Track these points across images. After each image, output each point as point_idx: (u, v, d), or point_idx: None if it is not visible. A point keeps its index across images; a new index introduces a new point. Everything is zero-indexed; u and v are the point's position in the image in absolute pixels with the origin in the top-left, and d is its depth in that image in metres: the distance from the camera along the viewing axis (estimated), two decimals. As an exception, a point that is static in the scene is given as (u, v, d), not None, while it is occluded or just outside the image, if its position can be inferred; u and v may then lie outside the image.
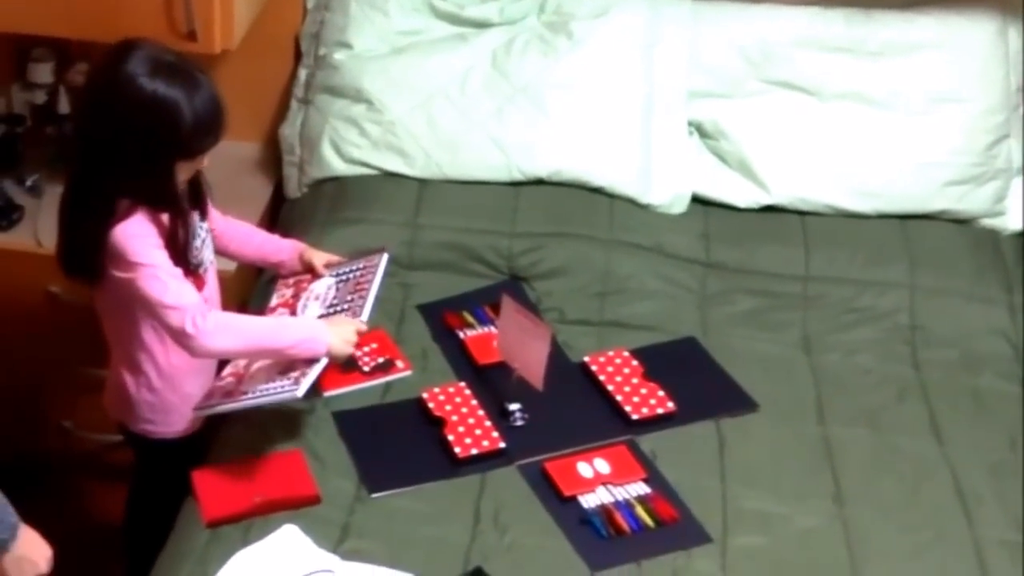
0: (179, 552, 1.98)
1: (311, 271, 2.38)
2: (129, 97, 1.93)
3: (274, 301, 2.32)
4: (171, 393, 2.21)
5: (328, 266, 2.36)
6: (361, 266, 2.32)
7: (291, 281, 2.35)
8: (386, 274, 2.29)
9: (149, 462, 2.35)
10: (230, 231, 2.37)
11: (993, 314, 2.60)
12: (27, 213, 2.85)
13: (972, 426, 2.36)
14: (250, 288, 2.73)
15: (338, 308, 2.20)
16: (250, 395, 2.05)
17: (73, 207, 2.06)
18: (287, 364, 2.08)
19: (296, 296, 2.28)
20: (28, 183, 2.94)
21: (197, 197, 2.17)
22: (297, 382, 2.01)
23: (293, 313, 2.25)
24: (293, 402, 2.05)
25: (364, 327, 2.17)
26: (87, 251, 2.04)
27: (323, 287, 2.28)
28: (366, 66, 2.94)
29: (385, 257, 2.30)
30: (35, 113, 3.06)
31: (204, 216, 2.21)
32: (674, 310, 2.60)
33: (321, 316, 2.18)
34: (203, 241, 2.18)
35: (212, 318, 2.00)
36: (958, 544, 2.10)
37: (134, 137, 1.94)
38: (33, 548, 1.77)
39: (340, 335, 2.10)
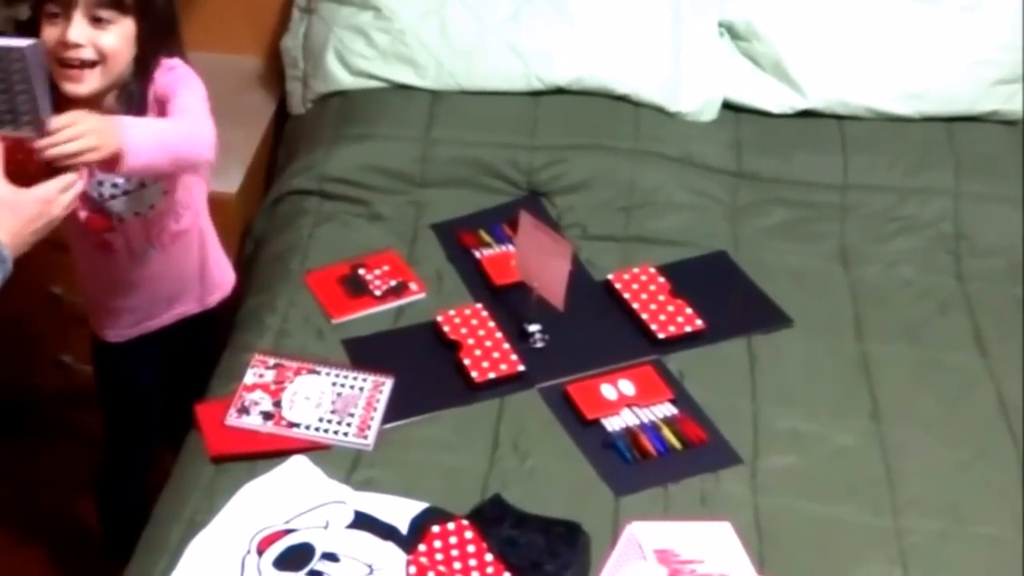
0: (184, 485, 2.05)
1: None
2: None
3: None
4: (88, 298, 2.28)
5: None
6: None
7: None
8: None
9: (108, 368, 2.41)
10: None
11: (1042, 221, 2.64)
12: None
13: (1017, 338, 2.40)
14: (253, 211, 2.79)
15: None
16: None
17: None
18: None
19: None
20: (16, 104, 2.99)
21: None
22: (363, 432, 2.12)
23: None
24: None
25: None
26: None
27: None
28: (372, -29, 2.96)
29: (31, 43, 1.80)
30: (19, 30, 3.10)
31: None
32: (703, 223, 2.64)
33: None
34: (124, 192, 2.10)
35: None
36: (1001, 460, 2.15)
37: None
38: None
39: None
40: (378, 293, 2.44)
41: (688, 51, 2.90)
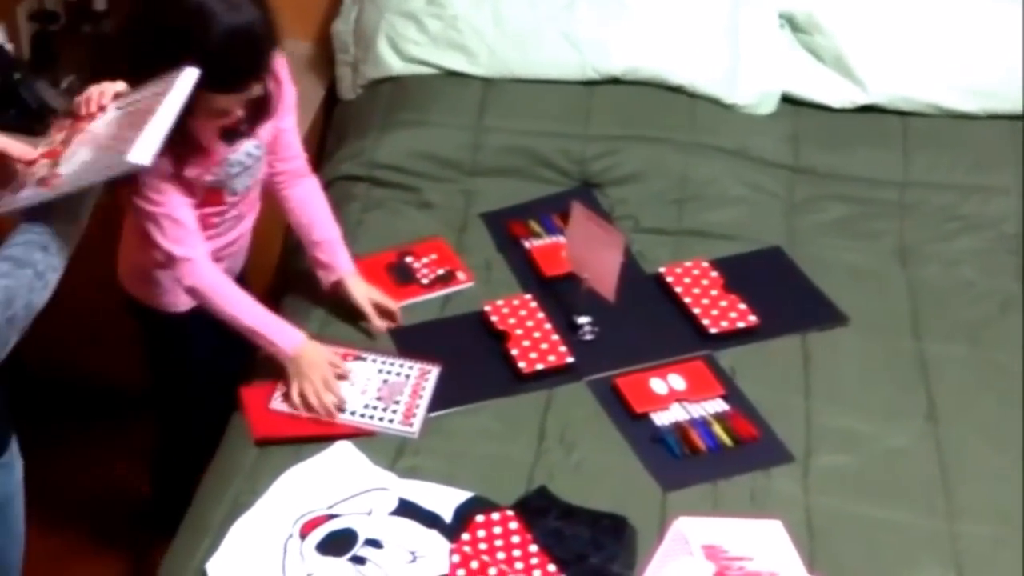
0: (227, 467, 2.09)
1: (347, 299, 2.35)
2: (167, 2, 1.99)
3: (41, 148, 1.77)
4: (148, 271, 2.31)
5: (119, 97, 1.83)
6: (148, 92, 1.77)
7: (67, 123, 1.83)
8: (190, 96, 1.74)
9: (163, 340, 2.45)
10: (303, 209, 2.37)
11: (1109, 222, 2.63)
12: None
13: (1082, 341, 2.40)
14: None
15: (109, 151, 1.69)
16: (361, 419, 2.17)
17: None
18: None
19: (67, 142, 1.78)
20: (63, 85, 3.04)
21: (255, 115, 2.16)
22: (408, 420, 2.15)
23: (55, 160, 1.74)
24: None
25: (343, 370, 2.21)
26: None
27: (103, 128, 1.78)
28: (426, -45, 2.99)
29: (189, 73, 1.75)
30: (70, 10, 3.15)
31: (254, 131, 2.19)
32: (758, 218, 2.66)
33: (88, 162, 1.70)
34: (245, 168, 2.21)
35: (199, 278, 2.16)
36: (1059, 464, 2.16)
37: (160, 46, 1.95)
38: None
39: (313, 370, 2.16)
40: (425, 281, 2.47)
41: (746, 42, 2.91)
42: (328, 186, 2.72)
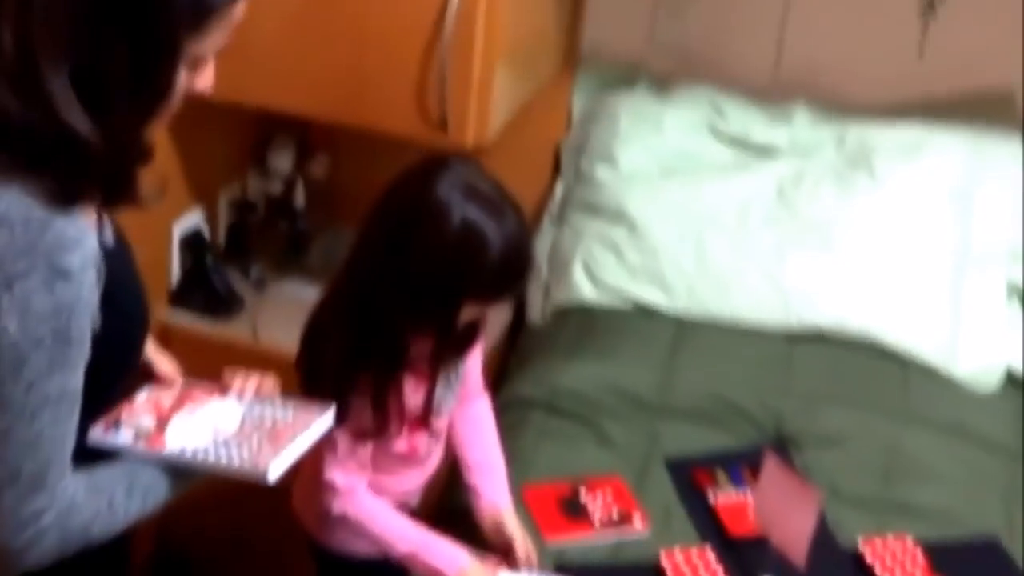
0: None
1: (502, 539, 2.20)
2: (435, 222, 1.90)
3: (141, 396, 1.82)
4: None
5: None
6: (289, 413, 1.82)
7: (178, 386, 1.87)
8: (319, 439, 1.81)
9: None
10: (467, 426, 2.29)
11: None
12: (247, 306, 2.97)
13: None
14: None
15: (233, 448, 1.73)
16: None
17: (347, 344, 2.03)
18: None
19: (177, 407, 1.81)
20: (252, 276, 3.08)
21: (464, 342, 2.12)
22: None
23: (161, 424, 1.75)
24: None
25: None
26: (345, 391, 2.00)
27: (223, 414, 1.81)
28: (632, 185, 2.99)
29: (328, 416, 1.82)
30: (269, 204, 3.22)
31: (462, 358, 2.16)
32: (973, 502, 2.48)
33: (205, 450, 1.72)
34: (451, 390, 2.17)
35: (355, 506, 2.10)
36: None
37: (429, 267, 1.91)
38: None
39: None
40: (598, 521, 2.34)
41: (970, 311, 2.80)
42: (504, 409, 2.64)
